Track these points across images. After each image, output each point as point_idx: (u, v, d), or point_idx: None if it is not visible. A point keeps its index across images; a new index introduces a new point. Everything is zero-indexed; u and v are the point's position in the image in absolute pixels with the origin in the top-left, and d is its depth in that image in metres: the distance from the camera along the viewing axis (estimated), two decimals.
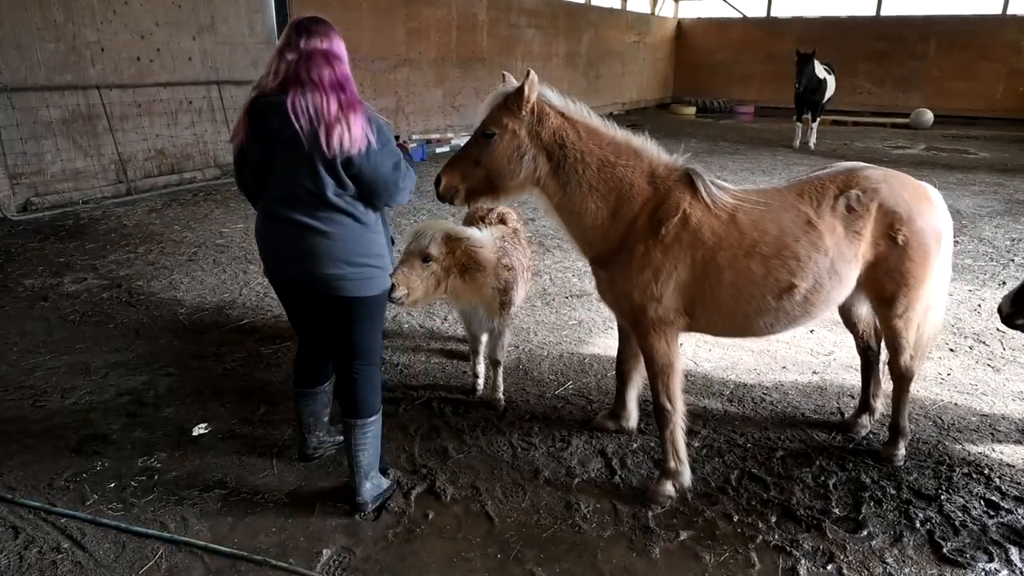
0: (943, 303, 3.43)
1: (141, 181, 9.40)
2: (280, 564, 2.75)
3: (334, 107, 2.61)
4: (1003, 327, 4.98)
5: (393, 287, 3.22)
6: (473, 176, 3.04)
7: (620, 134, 3.09)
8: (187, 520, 3.01)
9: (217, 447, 3.55)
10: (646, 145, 3.09)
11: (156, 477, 3.30)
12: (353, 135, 2.62)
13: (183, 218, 8.17)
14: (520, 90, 2.93)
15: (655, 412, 3.23)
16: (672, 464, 3.19)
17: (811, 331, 5.05)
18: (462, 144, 3.35)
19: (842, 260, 3.02)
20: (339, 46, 2.71)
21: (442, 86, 14.41)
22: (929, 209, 3.15)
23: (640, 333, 3.13)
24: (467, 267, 3.53)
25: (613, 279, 3.10)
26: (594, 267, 3.23)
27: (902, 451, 3.45)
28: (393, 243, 3.15)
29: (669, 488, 3.18)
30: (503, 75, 3.20)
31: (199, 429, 3.70)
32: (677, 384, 3.17)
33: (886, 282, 3.15)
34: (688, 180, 3.01)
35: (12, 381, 4.22)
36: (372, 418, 3.03)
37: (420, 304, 3.56)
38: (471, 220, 4.19)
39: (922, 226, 3.08)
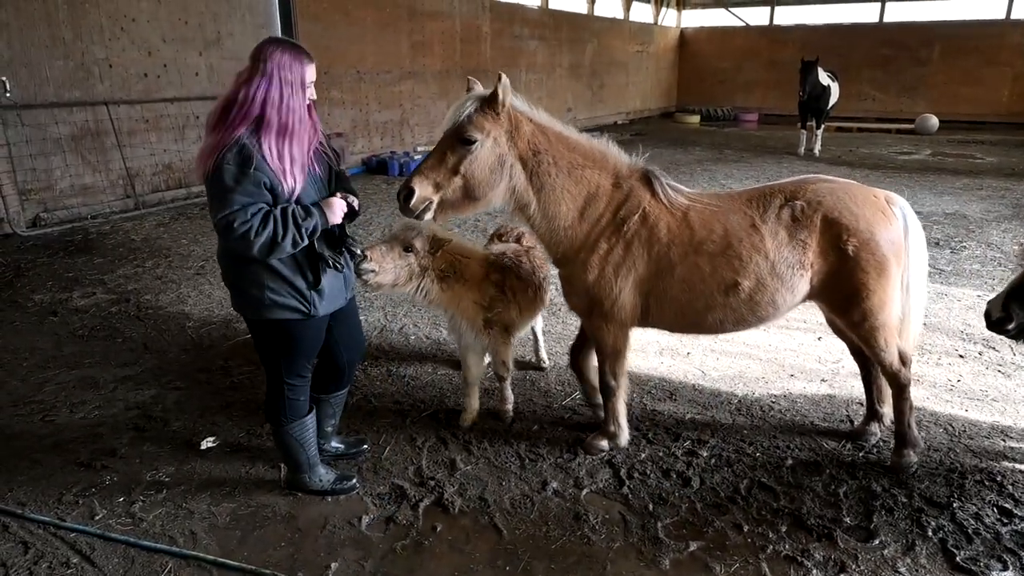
0: (920, 314, 3.45)
1: (149, 196, 9.48)
2: None
3: (209, 127, 2.65)
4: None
5: (365, 257, 3.17)
6: (449, 186, 2.95)
7: (583, 137, 3.22)
8: (196, 534, 3.01)
9: (225, 461, 3.55)
10: (608, 147, 3.25)
11: (164, 491, 3.30)
12: (201, 157, 2.65)
13: (191, 232, 8.22)
14: (494, 94, 2.91)
15: (601, 387, 3.55)
16: (611, 428, 3.57)
17: (819, 338, 5.03)
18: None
19: (785, 264, 3.11)
20: (259, 74, 2.59)
21: (446, 98, 14.49)
22: (882, 221, 3.15)
23: (595, 326, 3.35)
24: (445, 274, 3.49)
25: (575, 275, 3.23)
26: (558, 266, 3.36)
27: (911, 459, 3.39)
28: (316, 284, 2.84)
29: (604, 444, 3.58)
30: (468, 80, 3.14)
31: (207, 443, 3.70)
32: (623, 366, 3.46)
33: (840, 291, 3.18)
34: (647, 180, 3.19)
35: (22, 396, 4.24)
36: (272, 426, 3.14)
37: (385, 291, 3.46)
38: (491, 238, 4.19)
39: (873, 238, 3.10)
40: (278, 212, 2.60)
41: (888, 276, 3.15)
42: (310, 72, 2.71)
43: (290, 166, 2.65)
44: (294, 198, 2.70)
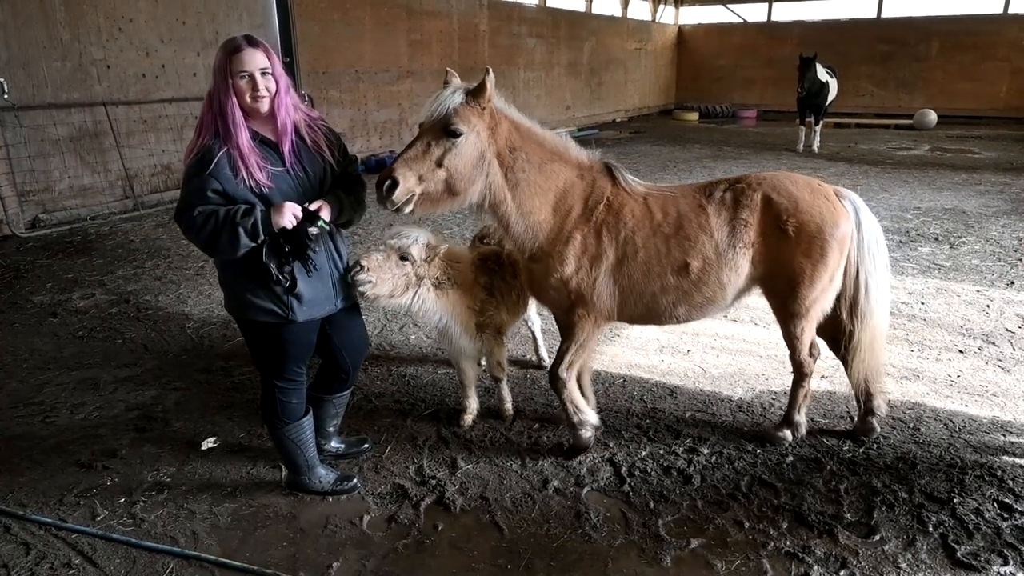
0: (885, 310, 3.51)
1: (147, 196, 9.47)
2: None
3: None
4: (1012, 327, 4.96)
5: (360, 268, 3.07)
6: (432, 179, 2.84)
7: (548, 133, 3.23)
8: (197, 535, 3.01)
9: (226, 461, 3.55)
10: (568, 141, 3.27)
11: (166, 492, 3.31)
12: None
13: None
14: (483, 86, 2.86)
15: (552, 380, 3.46)
16: (575, 418, 3.50)
17: None
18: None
19: (728, 244, 3.19)
20: (214, 73, 2.63)
21: None
22: (825, 207, 3.23)
23: (571, 316, 3.32)
24: (440, 282, 3.43)
25: (552, 268, 3.20)
26: (532, 262, 3.28)
27: (786, 436, 3.64)
28: (292, 289, 2.79)
29: (585, 434, 3.53)
30: (447, 71, 3.05)
31: (208, 443, 3.70)
32: (578, 363, 3.45)
33: (781, 274, 3.25)
34: (607, 170, 3.25)
35: (22, 398, 4.24)
36: (268, 428, 3.16)
37: (381, 303, 3.33)
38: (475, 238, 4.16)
39: (814, 220, 3.18)
40: (221, 212, 2.60)
41: (827, 265, 3.22)
42: (238, 61, 2.59)
43: (241, 164, 2.61)
44: (258, 194, 2.66)
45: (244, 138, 2.62)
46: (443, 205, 3.01)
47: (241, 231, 2.59)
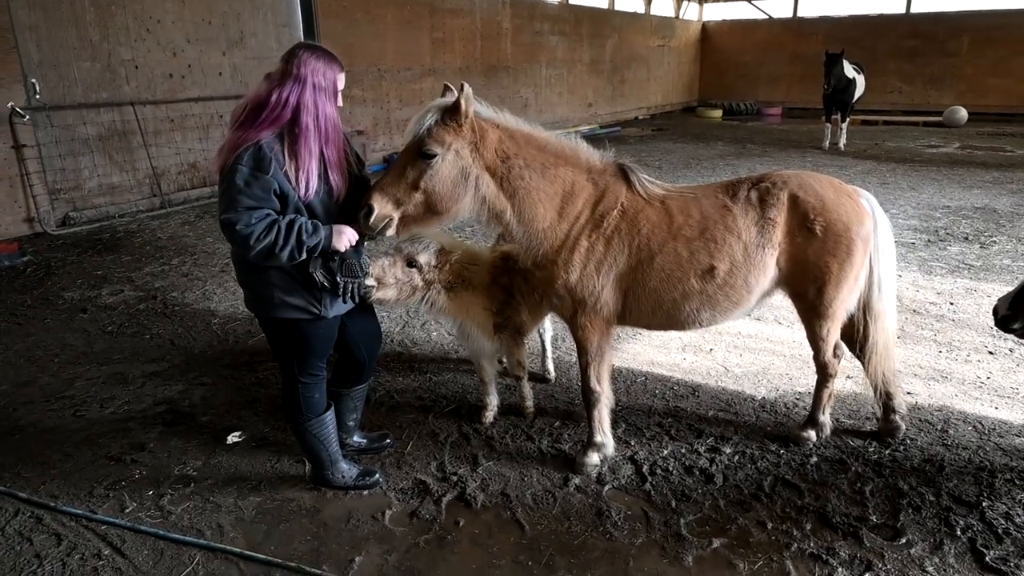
0: (894, 308, 3.52)
1: (174, 194, 9.62)
2: (314, 571, 2.78)
3: (235, 123, 2.68)
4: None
5: (365, 273, 3.06)
6: (410, 202, 2.84)
7: (553, 137, 3.15)
8: (223, 527, 3.06)
9: (251, 455, 3.60)
10: (579, 144, 3.19)
11: (192, 485, 3.36)
12: (220, 151, 2.68)
13: (215, 230, 8.31)
14: (456, 105, 2.80)
15: (584, 394, 3.41)
16: (598, 437, 3.42)
17: None
18: None
19: (755, 245, 3.13)
20: (292, 79, 2.61)
21: None
22: (850, 205, 3.21)
23: (578, 326, 3.27)
24: (453, 284, 3.41)
25: (556, 276, 3.14)
26: (537, 269, 3.22)
27: (810, 437, 3.59)
28: (328, 286, 2.82)
29: (595, 458, 3.41)
30: (445, 85, 3.01)
31: (233, 437, 3.75)
32: (606, 370, 3.37)
33: (807, 274, 3.21)
34: (622, 174, 3.16)
35: (53, 392, 4.34)
36: (291, 424, 3.17)
37: (389, 305, 3.36)
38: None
39: (840, 219, 3.14)
40: (284, 223, 2.60)
41: (854, 264, 3.19)
42: (341, 79, 2.78)
43: (312, 171, 2.65)
44: (305, 203, 2.70)
45: (340, 146, 2.76)
46: (430, 224, 3.01)
47: (305, 248, 2.65)
